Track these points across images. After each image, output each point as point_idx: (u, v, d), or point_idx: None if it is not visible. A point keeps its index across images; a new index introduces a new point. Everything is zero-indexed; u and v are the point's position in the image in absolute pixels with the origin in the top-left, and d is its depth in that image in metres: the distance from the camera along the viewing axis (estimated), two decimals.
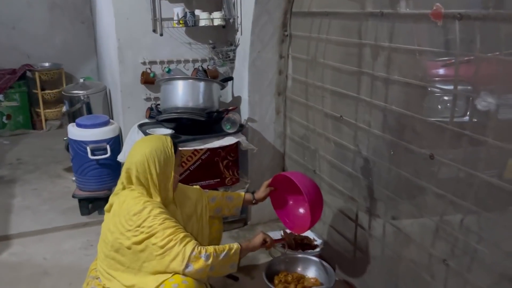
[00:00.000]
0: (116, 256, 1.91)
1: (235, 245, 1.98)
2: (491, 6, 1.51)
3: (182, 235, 1.83)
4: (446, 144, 1.76)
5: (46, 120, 5.52)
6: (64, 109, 4.21)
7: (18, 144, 5.07)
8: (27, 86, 5.46)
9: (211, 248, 1.86)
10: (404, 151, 1.98)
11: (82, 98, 4.03)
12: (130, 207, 1.86)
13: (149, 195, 1.96)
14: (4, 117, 5.35)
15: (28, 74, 5.48)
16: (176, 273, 1.82)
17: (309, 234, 2.79)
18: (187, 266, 1.80)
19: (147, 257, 1.84)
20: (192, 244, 1.83)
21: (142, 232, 1.82)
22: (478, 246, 1.66)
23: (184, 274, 1.81)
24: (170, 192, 2.03)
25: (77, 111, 4.06)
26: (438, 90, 1.82)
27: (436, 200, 1.83)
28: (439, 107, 1.83)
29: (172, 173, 2.00)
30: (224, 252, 1.90)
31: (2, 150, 4.88)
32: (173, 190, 2.05)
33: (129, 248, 1.86)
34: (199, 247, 1.83)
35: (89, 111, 4.06)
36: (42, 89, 5.42)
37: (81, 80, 4.19)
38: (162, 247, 1.80)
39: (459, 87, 1.69)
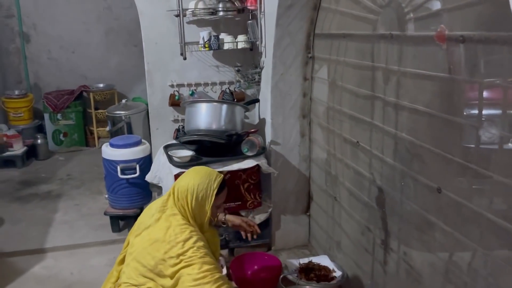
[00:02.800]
0: (155, 277, 1.92)
1: None
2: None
3: (218, 275, 1.82)
4: (452, 177, 1.60)
5: (98, 138, 5.82)
6: (107, 128, 4.41)
7: (71, 160, 5.39)
8: (83, 106, 5.81)
9: None
10: (413, 183, 1.83)
11: (123, 118, 4.21)
12: (177, 234, 1.88)
13: (187, 220, 1.99)
14: (61, 135, 5.72)
15: (84, 94, 5.84)
16: None
17: (329, 264, 2.67)
18: None
19: (179, 286, 1.84)
20: None
21: (182, 260, 1.83)
22: None
23: None
24: (205, 227, 2.06)
25: (118, 130, 4.24)
26: (443, 117, 1.66)
27: (445, 238, 1.66)
28: (447, 135, 1.67)
29: (209, 212, 2.01)
30: None
31: (56, 165, 5.21)
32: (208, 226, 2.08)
33: (171, 277, 1.87)
34: None
35: (130, 131, 4.22)
36: (96, 108, 5.74)
37: (123, 101, 4.38)
38: (196, 279, 1.79)
39: (466, 114, 1.54)
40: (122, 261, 2.17)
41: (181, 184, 2.03)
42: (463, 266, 1.58)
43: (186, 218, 2.00)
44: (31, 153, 5.34)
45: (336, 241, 2.77)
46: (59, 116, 5.65)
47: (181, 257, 1.84)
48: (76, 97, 5.72)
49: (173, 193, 2.04)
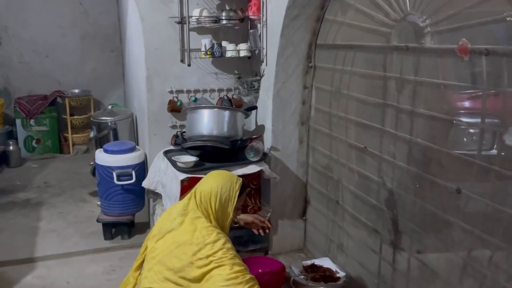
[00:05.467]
0: (178, 281, 1.91)
1: None
2: None
3: (249, 276, 1.85)
4: (473, 178, 1.74)
5: (73, 144, 5.66)
6: (92, 134, 4.32)
7: (46, 167, 5.21)
8: (57, 112, 5.64)
9: None
10: (430, 184, 1.97)
11: (109, 124, 4.14)
12: (204, 236, 1.91)
13: (210, 222, 2.02)
14: (34, 141, 5.52)
15: (59, 100, 5.68)
16: None
17: (331, 266, 2.76)
18: None
19: (208, 286, 1.85)
20: None
21: (211, 261, 1.85)
22: (507, 284, 1.62)
23: None
24: (226, 229, 2.10)
25: (104, 137, 4.16)
26: (464, 123, 1.82)
27: (463, 235, 1.80)
28: (465, 140, 1.82)
29: (231, 214, 2.07)
30: None
31: (30, 173, 5.02)
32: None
33: (196, 278, 1.87)
34: None
35: (116, 137, 4.15)
36: (71, 114, 5.59)
37: (109, 107, 4.31)
38: (228, 280, 1.81)
39: (486, 121, 1.69)
40: (139, 267, 2.16)
41: (204, 187, 2.08)
42: (483, 261, 1.72)
43: (209, 220, 2.03)
44: (3, 160, 5.12)
45: (337, 243, 2.87)
46: (32, 122, 5.46)
47: (210, 258, 1.86)
48: (50, 103, 5.55)
49: (195, 197, 2.07)
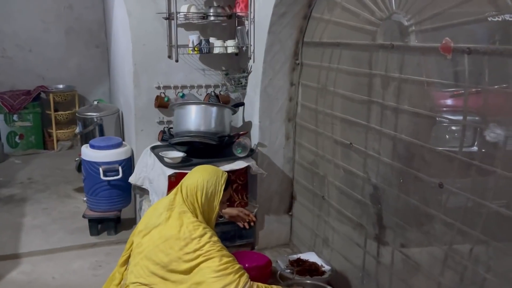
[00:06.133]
0: (165, 275, 1.93)
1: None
2: (497, 41, 1.58)
3: (238, 266, 1.89)
4: (455, 173, 1.80)
5: (57, 140, 5.61)
6: (77, 130, 4.30)
7: (29, 163, 5.15)
8: (41, 107, 5.58)
9: (262, 285, 1.93)
10: (413, 179, 2.02)
11: (95, 120, 4.12)
12: (191, 231, 1.94)
13: (196, 217, 2.04)
14: (17, 137, 5.45)
15: (43, 95, 5.61)
16: None
17: (317, 260, 2.81)
18: None
19: (197, 279, 1.88)
20: (246, 277, 1.88)
21: (199, 255, 1.88)
22: (487, 275, 1.68)
23: None
24: (212, 223, 2.13)
25: (89, 133, 4.14)
26: (447, 120, 1.87)
27: (445, 228, 1.86)
28: (448, 137, 1.88)
29: (217, 208, 2.10)
30: None
31: (13, 169, 4.96)
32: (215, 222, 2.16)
33: (183, 271, 1.90)
34: (251, 282, 1.89)
35: (102, 133, 4.14)
36: (55, 110, 5.53)
37: (95, 103, 4.29)
38: (218, 271, 1.84)
39: (468, 118, 1.74)
40: (125, 262, 2.17)
41: (190, 181, 2.10)
42: (464, 253, 1.78)
43: (195, 215, 2.05)
44: None
45: (322, 238, 2.92)
46: (15, 117, 5.39)
47: (198, 252, 1.89)
48: (34, 98, 5.48)
49: (181, 191, 2.10)
